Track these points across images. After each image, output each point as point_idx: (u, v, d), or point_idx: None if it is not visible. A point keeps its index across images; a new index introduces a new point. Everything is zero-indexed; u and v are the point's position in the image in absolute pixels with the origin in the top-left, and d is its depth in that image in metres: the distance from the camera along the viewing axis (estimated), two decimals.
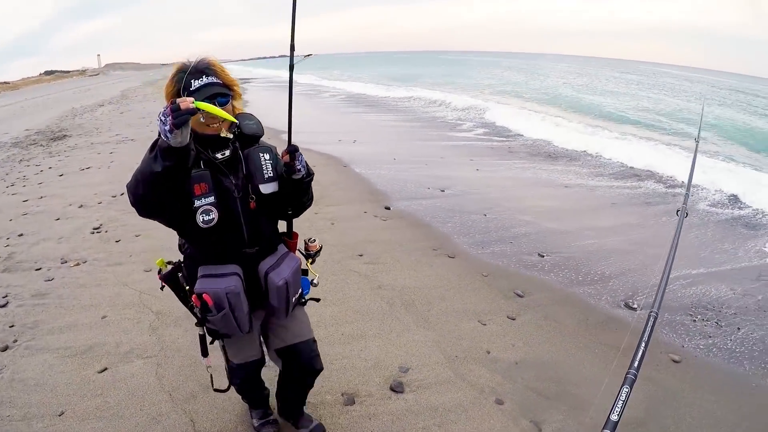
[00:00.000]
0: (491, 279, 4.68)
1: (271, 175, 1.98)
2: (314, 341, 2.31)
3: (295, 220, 2.27)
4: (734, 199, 7.86)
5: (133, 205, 1.75)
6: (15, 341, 3.56)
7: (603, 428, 1.14)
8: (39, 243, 5.36)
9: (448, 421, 2.80)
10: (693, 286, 4.67)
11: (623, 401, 1.19)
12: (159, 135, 1.61)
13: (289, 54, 2.09)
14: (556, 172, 9.35)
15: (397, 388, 3.04)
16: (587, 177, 9.11)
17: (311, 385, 2.42)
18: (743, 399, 3.18)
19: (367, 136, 12.48)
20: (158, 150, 1.61)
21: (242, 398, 2.59)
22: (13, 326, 3.77)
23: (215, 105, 1.76)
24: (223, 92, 1.84)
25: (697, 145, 3.50)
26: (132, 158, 9.73)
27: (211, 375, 2.27)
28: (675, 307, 4.23)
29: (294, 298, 2.16)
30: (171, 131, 1.54)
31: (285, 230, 2.27)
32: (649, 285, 4.62)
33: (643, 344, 1.34)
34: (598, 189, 8.27)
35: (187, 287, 2.05)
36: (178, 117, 1.52)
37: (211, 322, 1.98)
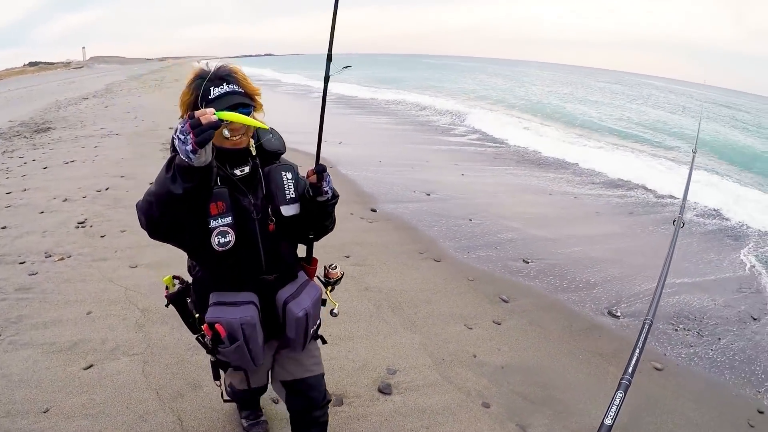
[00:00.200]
0: (477, 284, 4.73)
1: (293, 195, 1.82)
2: (323, 376, 2.13)
3: None
4: (716, 211, 8.06)
5: (144, 227, 1.60)
6: None
7: None
8: (22, 236, 5.28)
9: (435, 423, 2.83)
10: (675, 295, 4.78)
11: (617, 405, 1.23)
12: (174, 152, 1.44)
13: (326, 65, 1.86)
14: (541, 179, 9.49)
15: (385, 390, 3.07)
16: (571, 185, 9.25)
17: (324, 419, 2.14)
18: (723, 407, 3.28)
19: (353, 138, 12.51)
20: (177, 170, 1.43)
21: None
22: None
23: None
24: (245, 102, 1.66)
25: (694, 155, 3.58)
26: (117, 152, 9.65)
27: (222, 389, 2.16)
28: (658, 316, 4.30)
29: (312, 330, 2.00)
30: (194, 151, 1.36)
31: (304, 255, 2.08)
32: (632, 294, 4.72)
33: (638, 351, 1.38)
34: (582, 197, 8.41)
35: (197, 315, 1.90)
36: (200, 134, 1.34)
37: (223, 353, 1.80)
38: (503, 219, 6.69)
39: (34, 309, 3.84)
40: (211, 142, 1.41)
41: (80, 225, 5.64)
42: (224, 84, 1.65)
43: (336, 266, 2.14)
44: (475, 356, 3.56)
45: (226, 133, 1.63)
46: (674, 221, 2.65)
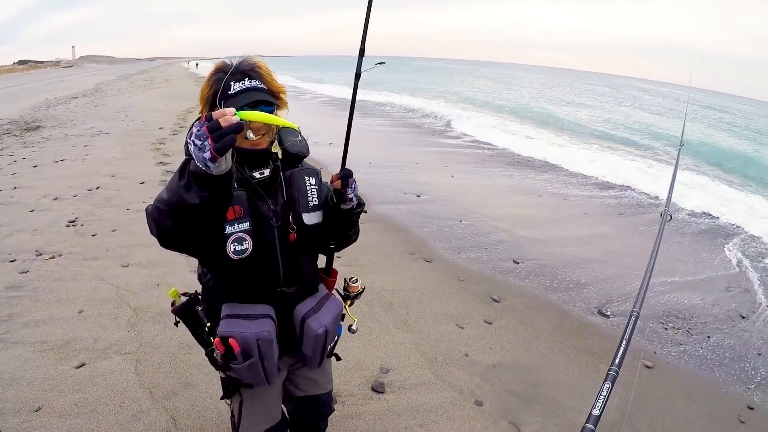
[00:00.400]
0: (468, 284, 4.76)
1: (317, 203, 1.68)
2: (332, 391, 2.05)
3: None
4: (704, 212, 8.18)
5: (155, 235, 1.41)
6: None
7: (585, 422, 1.20)
8: (13, 234, 5.24)
9: (429, 422, 2.86)
10: (664, 294, 4.85)
11: (605, 396, 1.26)
12: (189, 156, 1.27)
13: (357, 63, 1.76)
14: (530, 181, 9.56)
15: (378, 389, 3.08)
16: (560, 186, 9.33)
17: (325, 426, 2.12)
18: (714, 404, 3.33)
19: (343, 139, 12.53)
20: (192, 178, 1.26)
21: None
22: None
23: None
24: (267, 100, 1.51)
25: (680, 149, 3.63)
26: (107, 151, 9.61)
27: (233, 420, 1.86)
28: (647, 315, 4.36)
29: (330, 347, 1.86)
30: (213, 159, 1.19)
31: (323, 266, 1.93)
32: (622, 293, 4.77)
33: (624, 342, 1.41)
34: (571, 199, 8.47)
35: (209, 324, 1.71)
36: (220, 139, 1.17)
37: (235, 370, 1.62)
38: (493, 220, 6.73)
39: (25, 307, 3.82)
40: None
41: (71, 224, 5.61)
42: (246, 79, 1.52)
43: (357, 279, 1.99)
44: (467, 355, 3.58)
45: (250, 134, 1.50)
46: (661, 213, 2.66)
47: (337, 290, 1.96)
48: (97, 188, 7.01)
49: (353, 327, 1.94)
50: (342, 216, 1.67)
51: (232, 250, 1.52)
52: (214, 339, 1.61)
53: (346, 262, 4.93)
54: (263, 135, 1.55)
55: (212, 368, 1.78)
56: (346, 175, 1.62)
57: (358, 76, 1.78)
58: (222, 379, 1.81)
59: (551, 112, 25.03)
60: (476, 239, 5.97)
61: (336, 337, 1.88)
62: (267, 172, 1.63)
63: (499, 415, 2.96)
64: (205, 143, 1.18)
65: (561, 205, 8.04)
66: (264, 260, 1.61)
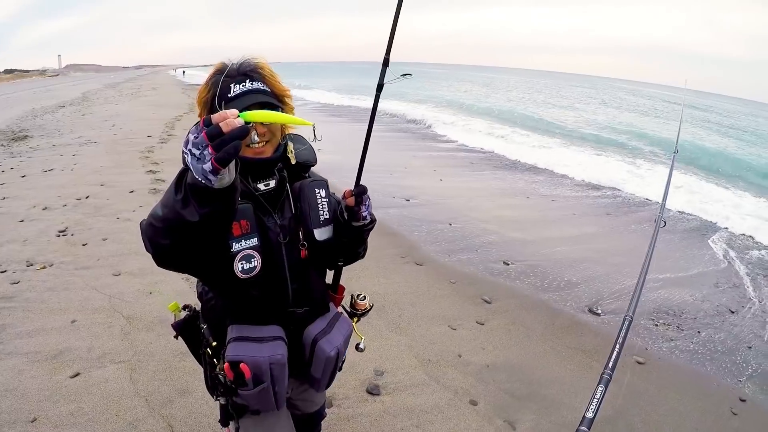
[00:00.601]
0: (459, 286, 4.80)
1: (327, 217, 1.56)
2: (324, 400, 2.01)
3: None
4: (693, 210, 8.32)
5: (151, 254, 1.26)
6: None
7: (579, 425, 1.22)
8: (3, 245, 5.21)
9: (425, 422, 2.88)
10: (655, 291, 4.93)
11: (598, 399, 1.28)
12: (186, 167, 1.08)
13: (381, 70, 1.64)
14: (518, 183, 9.69)
15: (373, 391, 3.11)
16: (548, 188, 9.46)
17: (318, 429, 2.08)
18: (706, 397, 3.40)
19: (332, 145, 12.54)
20: (190, 192, 1.08)
21: None
22: None
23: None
24: (270, 103, 1.37)
25: (674, 156, 3.69)
26: (95, 160, 9.55)
27: None
28: (638, 312, 4.41)
29: (339, 368, 1.74)
30: (215, 171, 1.01)
31: (330, 281, 1.84)
32: (612, 291, 4.84)
33: (618, 346, 1.44)
34: (559, 200, 8.58)
35: (215, 343, 1.57)
36: (222, 147, 0.98)
37: (243, 396, 1.48)
38: (483, 222, 6.79)
39: (17, 318, 3.80)
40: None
41: (61, 233, 5.58)
42: (247, 81, 1.38)
43: (365, 296, 1.88)
44: (460, 356, 3.62)
45: (254, 137, 1.37)
46: (655, 219, 2.67)
47: (343, 307, 1.87)
48: (87, 197, 6.98)
49: (360, 345, 1.84)
50: (353, 233, 1.57)
51: (240, 269, 1.39)
52: (218, 361, 1.52)
53: None
54: (267, 141, 1.41)
55: None
56: (361, 192, 1.52)
57: (380, 87, 1.66)
58: (222, 405, 1.65)
59: (537, 115, 25.26)
60: (466, 242, 6.02)
61: (344, 358, 1.76)
62: (272, 183, 1.49)
63: (494, 414, 3.00)
64: (205, 152, 0.99)
65: (550, 206, 8.13)
66: (272, 279, 1.48)
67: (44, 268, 4.69)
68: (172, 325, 1.70)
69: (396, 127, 17.65)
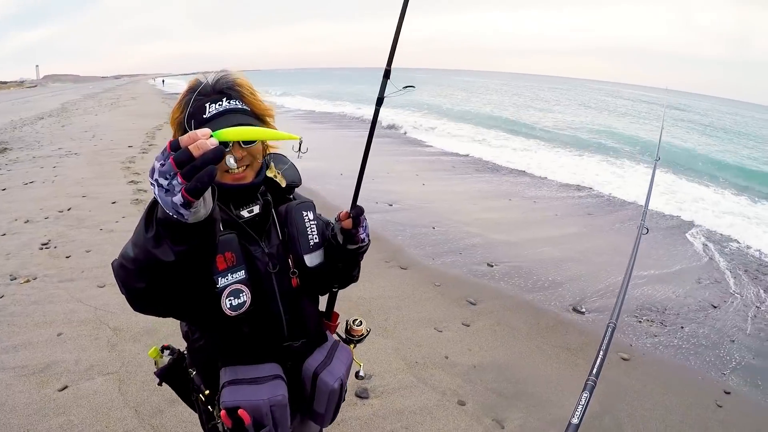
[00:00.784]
0: (444, 288, 4.86)
1: (317, 241, 1.45)
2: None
3: None
4: (673, 209, 8.49)
5: (127, 299, 1.10)
6: None
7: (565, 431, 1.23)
8: None
9: (414, 423, 2.93)
10: (637, 288, 5.05)
11: (583, 405, 1.28)
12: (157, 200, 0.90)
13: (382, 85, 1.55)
14: (499, 186, 9.84)
15: (362, 394, 3.15)
16: (529, 190, 9.61)
17: None
18: (692, 391, 3.49)
19: (314, 151, 12.50)
20: (162, 229, 0.93)
21: None
22: None
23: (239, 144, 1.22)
24: (250, 123, 1.24)
25: (656, 163, 3.76)
26: (76, 172, 9.47)
27: None
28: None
29: (342, 398, 1.58)
30: (187, 204, 0.84)
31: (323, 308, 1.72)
32: (595, 290, 4.93)
33: (602, 353, 1.46)
34: (541, 201, 8.72)
35: (207, 391, 1.41)
36: (192, 175, 0.81)
37: None
38: (466, 225, 6.87)
39: (2, 332, 3.77)
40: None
41: (44, 246, 5.54)
42: (224, 99, 1.25)
43: (361, 322, 1.73)
44: (447, 357, 3.67)
45: (230, 161, 1.21)
46: (638, 226, 2.65)
47: (338, 334, 1.73)
48: (69, 209, 6.92)
49: (361, 373, 1.73)
50: (348, 255, 1.47)
51: (228, 306, 1.27)
52: (213, 409, 1.40)
53: None
54: (248, 165, 1.29)
55: None
56: (358, 213, 1.44)
57: (380, 101, 1.58)
58: None
59: (517, 119, 25.48)
60: (450, 245, 6.09)
61: (347, 389, 1.59)
62: (256, 209, 1.36)
63: (482, 413, 3.05)
64: (174, 182, 0.82)
65: (532, 207, 8.25)
66: (264, 313, 1.37)
67: (28, 281, 4.65)
68: (155, 373, 1.56)
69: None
